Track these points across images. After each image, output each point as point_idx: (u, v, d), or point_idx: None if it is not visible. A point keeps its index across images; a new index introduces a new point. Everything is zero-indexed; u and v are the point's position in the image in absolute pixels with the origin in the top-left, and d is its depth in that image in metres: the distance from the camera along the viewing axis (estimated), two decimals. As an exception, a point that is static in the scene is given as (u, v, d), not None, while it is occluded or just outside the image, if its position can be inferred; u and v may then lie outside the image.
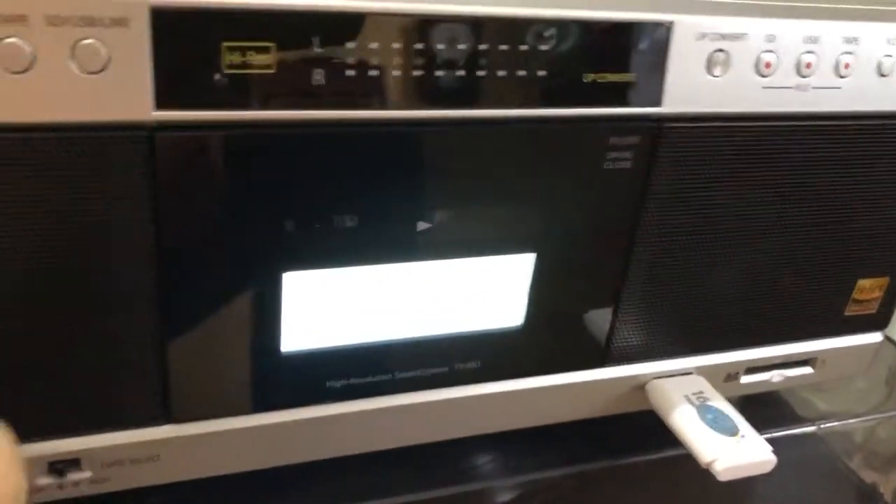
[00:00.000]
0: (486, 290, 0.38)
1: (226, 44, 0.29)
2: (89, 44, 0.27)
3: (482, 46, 0.32)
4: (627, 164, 0.36)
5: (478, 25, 0.31)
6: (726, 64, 0.36)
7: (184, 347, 0.34)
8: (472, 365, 0.39)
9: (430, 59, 0.31)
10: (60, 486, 0.35)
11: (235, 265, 0.33)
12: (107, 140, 0.29)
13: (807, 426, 0.49)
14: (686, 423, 0.40)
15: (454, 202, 0.35)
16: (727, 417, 0.41)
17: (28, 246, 0.30)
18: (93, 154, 0.29)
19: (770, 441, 0.40)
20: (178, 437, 0.35)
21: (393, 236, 0.35)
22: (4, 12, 0.26)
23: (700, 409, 0.41)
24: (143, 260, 0.31)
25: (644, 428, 0.44)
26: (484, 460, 0.44)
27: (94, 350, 0.32)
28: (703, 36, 0.35)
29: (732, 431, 0.40)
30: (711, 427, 0.40)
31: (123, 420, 0.35)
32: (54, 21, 0.27)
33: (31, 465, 0.34)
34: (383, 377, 0.38)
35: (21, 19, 0.27)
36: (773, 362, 0.46)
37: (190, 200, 0.31)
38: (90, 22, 0.27)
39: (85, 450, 0.34)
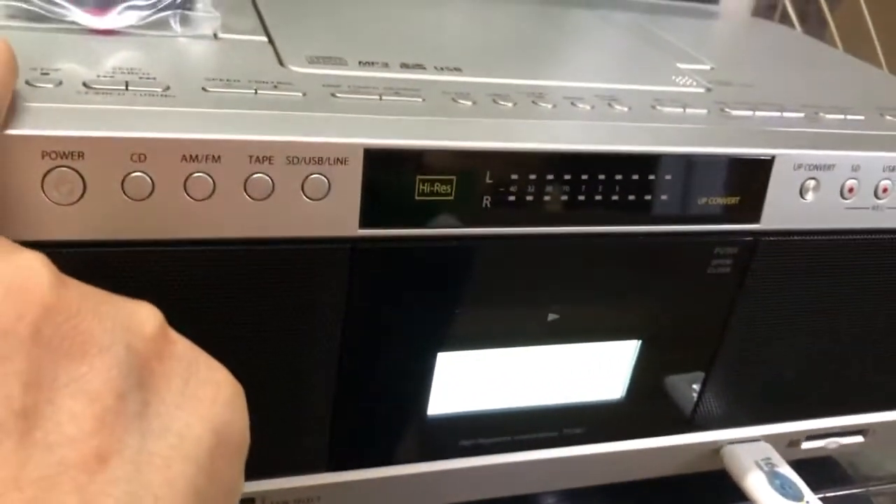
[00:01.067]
0: (595, 369, 0.44)
1: (419, 177, 0.35)
2: (317, 178, 0.34)
3: (617, 177, 0.38)
4: (727, 270, 0.43)
5: (613, 160, 0.38)
6: (816, 189, 0.42)
7: (351, 407, 0.40)
8: (577, 430, 0.46)
9: (575, 186, 0.38)
10: (241, 521, 0.41)
11: (403, 348, 0.39)
12: (321, 251, 0.35)
13: (857, 488, 0.56)
14: (758, 488, 0.47)
15: (580, 299, 0.41)
16: (793, 484, 0.47)
17: (249, 333, 0.36)
18: (307, 261, 0.35)
19: (824, 501, 0.47)
20: (335, 483, 0.42)
21: (528, 325, 0.41)
22: (255, 153, 0.33)
23: (769, 475, 0.47)
24: (330, 339, 0.38)
25: (714, 485, 0.51)
26: None
27: (280, 409, 0.39)
28: (798, 167, 0.41)
29: (798, 497, 0.46)
30: (780, 493, 0.46)
31: (294, 467, 0.41)
32: (293, 161, 0.33)
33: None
34: (504, 438, 0.44)
35: (268, 159, 0.33)
36: (830, 431, 0.53)
37: (379, 302, 0.37)
38: (319, 161, 0.34)
39: (259, 491, 0.41)
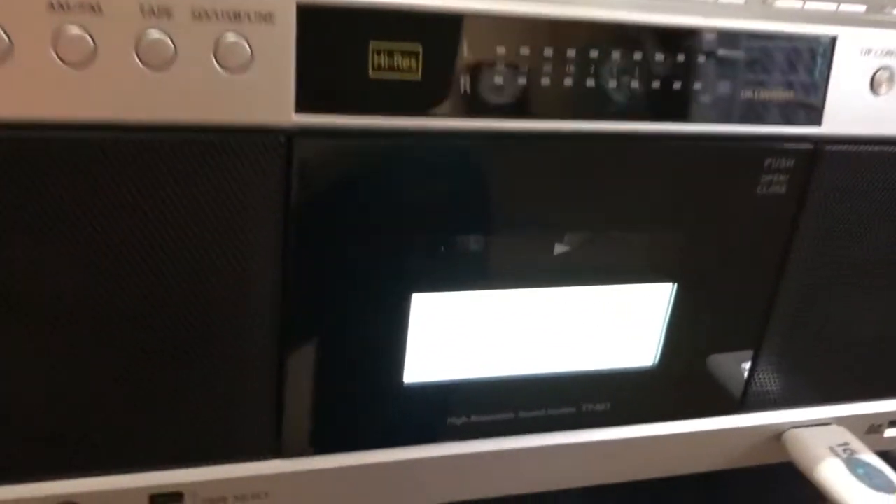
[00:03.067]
0: (620, 324, 0.35)
1: (374, 44, 0.27)
2: (233, 41, 0.25)
3: (638, 56, 0.30)
4: (781, 189, 0.33)
5: (635, 32, 0.29)
6: (891, 82, 0.33)
7: (302, 373, 0.31)
8: (600, 407, 0.36)
9: (584, 67, 0.29)
10: (162, 523, 0.32)
11: (363, 284, 0.30)
12: (243, 144, 0.27)
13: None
14: (835, 478, 0.36)
15: (595, 224, 0.32)
16: (881, 473, 0.37)
17: (151, 255, 0.28)
18: (227, 157, 0.27)
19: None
20: (288, 473, 0.33)
21: (529, 258, 0.32)
22: (149, 3, 0.25)
23: (848, 462, 0.37)
24: (266, 273, 0.29)
25: (768, 483, 0.40)
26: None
27: (208, 372, 0.30)
28: (868, 52, 0.32)
29: (890, 488, 0.36)
30: (865, 483, 0.36)
31: (232, 453, 0.32)
32: (199, 15, 0.25)
33: (132, 497, 0.31)
34: (506, 416, 0.35)
35: (166, 12, 0.25)
36: (919, 415, 0.42)
37: (322, 211, 0.29)
38: (235, 17, 0.25)
39: (188, 483, 0.32)
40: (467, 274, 0.31)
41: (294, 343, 0.30)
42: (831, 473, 0.37)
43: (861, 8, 0.36)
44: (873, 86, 0.33)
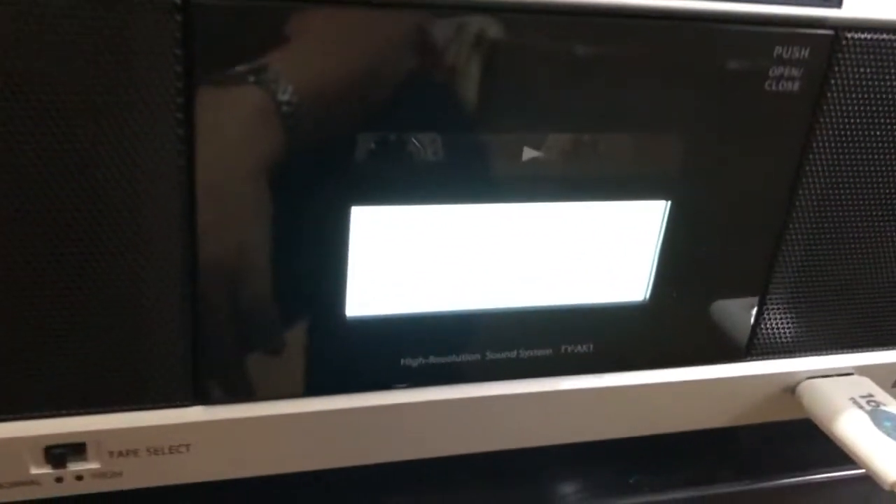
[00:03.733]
0: (604, 251, 0.30)
1: None
2: None
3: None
4: (794, 87, 0.28)
5: None
6: (927, -44, 0.28)
7: (220, 302, 0.26)
8: (581, 348, 0.31)
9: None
10: (59, 479, 0.27)
11: (289, 193, 0.25)
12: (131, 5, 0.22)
13: None
14: (859, 432, 0.31)
15: (571, 124, 0.27)
16: (912, 428, 0.32)
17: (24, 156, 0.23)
18: (113, 25, 0.22)
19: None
20: (210, 423, 0.28)
21: (491, 165, 0.27)
22: None
23: (873, 414, 0.32)
24: (167, 175, 0.24)
25: (782, 442, 0.35)
26: (580, 483, 0.35)
27: (106, 300, 0.25)
28: (898, -85, 0.27)
29: (923, 445, 0.31)
30: (893, 438, 0.31)
31: (142, 396, 0.27)
32: None
33: (23, 448, 0.26)
34: (471, 357, 0.30)
35: None
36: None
37: (231, 97, 0.24)
38: None
39: (92, 432, 0.27)
40: (419, 183, 0.26)
41: (207, 266, 0.25)
42: (854, 427, 0.31)
43: None
44: (904, -40, 0.28)
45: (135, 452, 0.28)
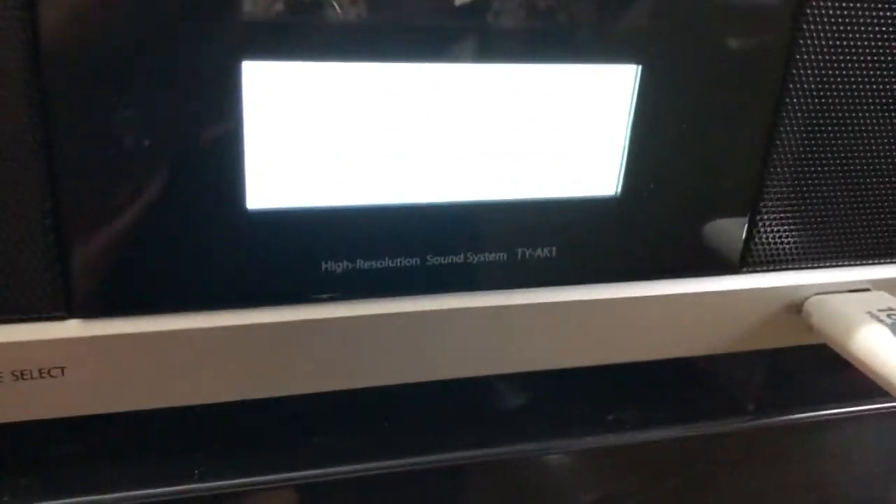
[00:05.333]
0: (566, 132, 0.25)
1: None
2: None
3: None
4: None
5: None
6: None
7: (87, 190, 0.21)
8: (542, 253, 0.26)
9: None
10: None
11: (161, 50, 0.20)
12: None
13: None
14: (881, 346, 0.26)
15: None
16: (941, 343, 0.26)
17: None
18: None
19: None
20: (87, 339, 0.23)
21: (425, 15, 0.22)
22: None
23: (894, 327, 0.27)
24: (7, 44, 0.19)
25: (788, 373, 0.30)
26: (547, 420, 0.30)
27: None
28: None
29: (955, 360, 0.25)
30: (921, 354, 0.26)
31: (4, 304, 0.22)
32: None
33: None
34: (408, 262, 0.25)
35: None
36: None
37: None
38: None
39: (-58, 353, 0.22)
40: (324, 35, 0.21)
41: (66, 144, 0.21)
42: (875, 342, 0.26)
43: None
44: None
45: (-4, 376, 0.23)
